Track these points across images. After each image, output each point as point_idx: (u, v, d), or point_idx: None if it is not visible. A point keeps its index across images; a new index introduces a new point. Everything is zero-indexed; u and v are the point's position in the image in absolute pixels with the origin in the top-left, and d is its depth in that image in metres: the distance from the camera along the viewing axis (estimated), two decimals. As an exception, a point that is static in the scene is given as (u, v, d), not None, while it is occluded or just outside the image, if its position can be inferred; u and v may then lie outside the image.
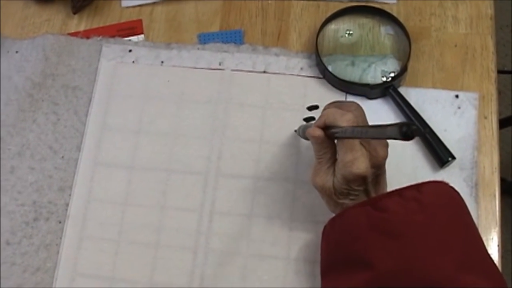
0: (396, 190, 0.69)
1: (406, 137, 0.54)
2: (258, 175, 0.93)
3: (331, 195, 0.74)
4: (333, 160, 0.74)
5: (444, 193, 0.71)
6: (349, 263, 0.70)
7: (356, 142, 0.70)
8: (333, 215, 0.75)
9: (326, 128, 0.73)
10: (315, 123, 0.75)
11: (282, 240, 0.90)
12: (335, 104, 0.77)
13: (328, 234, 0.75)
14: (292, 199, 0.91)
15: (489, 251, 0.86)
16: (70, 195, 0.94)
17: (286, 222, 0.90)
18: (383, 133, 0.58)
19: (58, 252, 0.91)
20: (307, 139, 0.84)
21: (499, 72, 1.03)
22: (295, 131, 0.93)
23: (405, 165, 0.91)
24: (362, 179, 0.70)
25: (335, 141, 0.74)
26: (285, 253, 0.89)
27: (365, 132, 0.64)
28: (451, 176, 0.90)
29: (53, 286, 0.90)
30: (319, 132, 0.73)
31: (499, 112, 0.96)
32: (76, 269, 0.91)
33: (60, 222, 0.93)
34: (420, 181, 0.89)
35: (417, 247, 0.65)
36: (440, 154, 0.89)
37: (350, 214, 0.70)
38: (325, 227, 0.76)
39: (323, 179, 0.74)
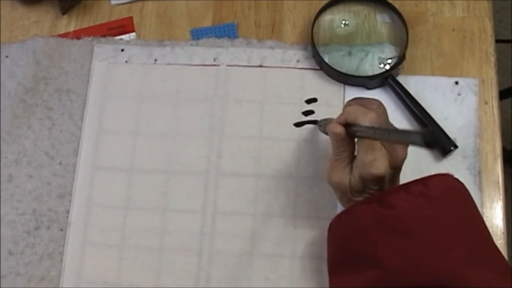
0: (402, 185, 0.68)
1: (428, 146, 0.54)
2: (259, 173, 0.92)
3: (346, 192, 0.73)
4: (351, 158, 0.73)
5: (450, 186, 0.70)
6: (357, 261, 0.69)
7: (377, 142, 0.68)
8: (338, 211, 0.75)
9: (347, 125, 0.72)
10: (336, 119, 0.74)
11: (287, 238, 0.89)
12: (357, 101, 0.76)
13: (334, 232, 0.75)
14: (295, 195, 0.90)
15: (494, 238, 0.86)
16: (70, 201, 0.93)
17: (289, 219, 0.90)
18: (405, 138, 0.59)
19: (61, 260, 0.91)
20: (327, 133, 0.82)
21: (497, 41, 1.01)
22: (317, 123, 0.91)
23: (408, 156, 0.89)
24: (379, 179, 0.69)
25: (355, 139, 0.73)
26: (290, 251, 0.88)
27: (387, 135, 0.63)
28: (454, 165, 0.89)
29: (59, 295, 0.90)
30: (340, 129, 0.72)
31: (499, 82, 0.95)
32: (81, 276, 0.90)
33: (61, 230, 0.92)
34: (423, 171, 0.89)
35: (425, 243, 0.64)
36: (442, 144, 0.88)
37: (356, 211, 0.70)
38: (331, 224, 0.76)
39: (340, 176, 0.73)
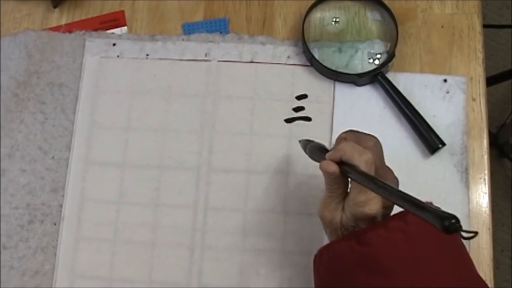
0: (382, 222, 0.67)
1: (448, 231, 0.47)
2: (250, 169, 0.93)
3: (337, 230, 0.71)
4: (345, 195, 0.71)
5: None
6: None
7: None
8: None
9: (341, 163, 0.69)
10: (329, 154, 0.71)
11: (277, 233, 0.91)
12: (353, 136, 0.74)
13: (318, 266, 0.74)
14: (286, 192, 0.92)
15: (481, 234, 0.88)
16: (63, 196, 0.94)
17: (280, 215, 0.91)
18: (419, 212, 0.51)
19: (55, 254, 0.92)
20: (313, 159, 0.80)
21: (485, 26, 1.02)
22: (300, 142, 0.88)
23: (396, 153, 0.91)
24: (371, 219, 0.68)
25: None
26: (280, 246, 0.90)
27: (393, 198, 0.57)
28: (442, 162, 0.91)
29: (53, 289, 0.91)
30: (334, 168, 0.69)
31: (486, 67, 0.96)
32: (74, 270, 0.92)
33: (55, 224, 0.93)
34: (411, 168, 0.91)
35: (404, 283, 0.63)
36: (430, 141, 0.90)
37: (336, 248, 0.69)
38: (315, 257, 0.74)
39: (332, 214, 0.71)
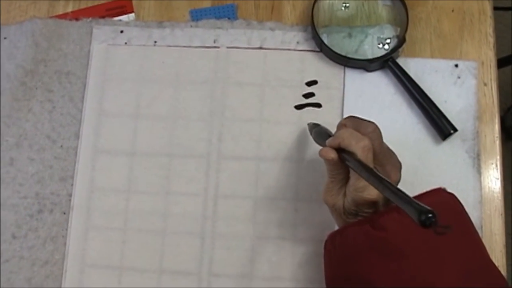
0: (395, 206, 0.66)
1: (423, 225, 0.49)
2: (260, 156, 0.92)
3: (341, 214, 0.73)
4: (346, 180, 0.72)
5: (443, 203, 0.69)
6: (352, 283, 0.69)
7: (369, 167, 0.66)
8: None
9: (340, 150, 0.71)
10: (329, 141, 0.73)
11: (288, 220, 0.90)
12: (353, 122, 0.74)
13: (329, 251, 0.74)
14: (296, 178, 0.91)
15: (493, 221, 0.88)
16: (72, 185, 0.93)
17: (291, 202, 0.91)
18: (400, 203, 0.53)
19: (65, 244, 0.92)
20: (318, 143, 0.82)
21: (496, 8, 1.01)
22: (308, 124, 0.90)
23: (407, 139, 0.91)
24: (372, 204, 0.69)
25: None
26: (291, 234, 0.90)
27: (381, 188, 0.58)
28: (453, 148, 0.90)
29: (63, 278, 0.91)
30: (332, 155, 0.71)
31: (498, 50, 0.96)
32: (84, 260, 0.91)
33: (64, 213, 0.92)
34: (422, 154, 0.90)
35: (418, 266, 0.64)
36: (442, 127, 0.89)
37: (349, 233, 0.70)
38: (326, 241, 0.75)
39: (334, 198, 0.73)
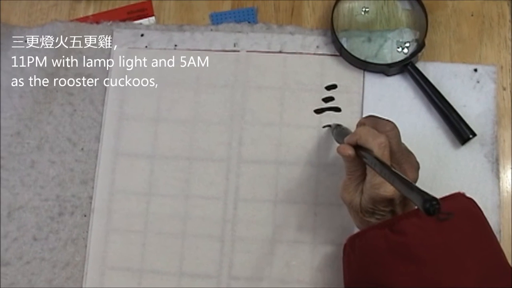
0: (415, 210, 0.68)
1: (428, 213, 0.51)
2: (280, 160, 0.93)
3: (358, 212, 0.73)
4: (363, 178, 0.73)
5: (463, 208, 0.70)
6: (371, 286, 0.69)
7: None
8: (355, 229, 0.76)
9: (357, 147, 0.71)
10: (347, 138, 0.74)
11: (308, 224, 0.91)
12: (371, 121, 0.75)
13: (348, 254, 0.75)
14: (316, 182, 0.92)
15: (511, 226, 0.88)
16: (93, 187, 0.94)
17: (310, 206, 0.91)
18: (408, 193, 0.55)
19: (86, 246, 0.92)
20: (338, 142, 0.83)
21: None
22: (329, 126, 0.92)
23: (426, 143, 0.91)
24: (389, 201, 0.69)
25: None
26: (311, 238, 0.90)
27: (392, 180, 0.60)
28: (472, 152, 0.91)
29: (83, 280, 0.91)
30: (350, 151, 0.71)
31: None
32: (105, 262, 0.92)
33: (85, 216, 0.93)
34: (441, 158, 0.90)
35: (437, 270, 0.64)
36: (461, 132, 0.89)
37: (369, 236, 0.70)
38: (345, 245, 0.76)
39: (351, 196, 0.74)
